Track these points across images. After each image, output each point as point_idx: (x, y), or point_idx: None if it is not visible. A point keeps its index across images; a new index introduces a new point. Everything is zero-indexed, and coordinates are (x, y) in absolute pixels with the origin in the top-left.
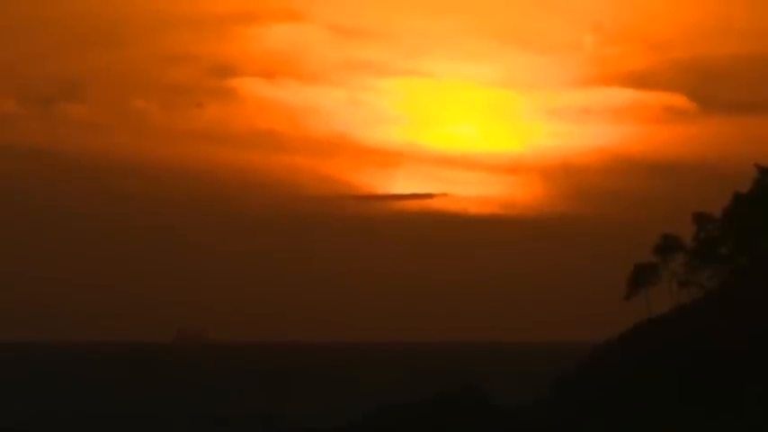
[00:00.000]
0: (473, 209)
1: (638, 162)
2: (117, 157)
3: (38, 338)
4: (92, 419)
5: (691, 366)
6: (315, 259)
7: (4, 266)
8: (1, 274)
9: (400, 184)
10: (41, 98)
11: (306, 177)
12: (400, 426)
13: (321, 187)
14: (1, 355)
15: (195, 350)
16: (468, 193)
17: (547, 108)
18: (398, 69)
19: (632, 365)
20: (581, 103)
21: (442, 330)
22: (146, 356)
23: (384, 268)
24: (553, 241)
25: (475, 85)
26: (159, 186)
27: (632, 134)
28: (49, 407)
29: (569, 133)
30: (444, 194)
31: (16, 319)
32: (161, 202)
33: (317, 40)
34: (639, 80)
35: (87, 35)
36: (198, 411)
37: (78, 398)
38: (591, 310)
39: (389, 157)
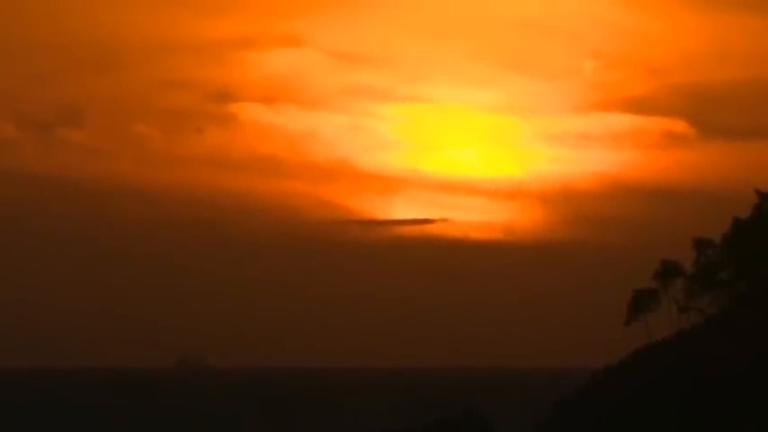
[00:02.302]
0: (473, 234)
1: (637, 187)
2: (116, 183)
3: (37, 364)
4: None
5: (691, 392)
6: (315, 284)
7: (2, 292)
8: (0, 300)
9: (400, 209)
10: (41, 123)
11: (306, 202)
12: None
13: (321, 212)
14: (0, 381)
15: (196, 375)
16: (469, 218)
17: (547, 133)
18: (399, 95)
19: (632, 391)
20: (581, 129)
21: (442, 356)
22: (146, 382)
23: (384, 293)
24: (553, 267)
25: (475, 110)
26: (159, 211)
27: (632, 159)
28: None
29: (569, 159)
30: (444, 220)
31: (15, 345)
32: (161, 227)
33: (318, 65)
34: (639, 105)
35: (87, 60)
36: None
37: (79, 424)
38: (591, 336)
39: (390, 183)
